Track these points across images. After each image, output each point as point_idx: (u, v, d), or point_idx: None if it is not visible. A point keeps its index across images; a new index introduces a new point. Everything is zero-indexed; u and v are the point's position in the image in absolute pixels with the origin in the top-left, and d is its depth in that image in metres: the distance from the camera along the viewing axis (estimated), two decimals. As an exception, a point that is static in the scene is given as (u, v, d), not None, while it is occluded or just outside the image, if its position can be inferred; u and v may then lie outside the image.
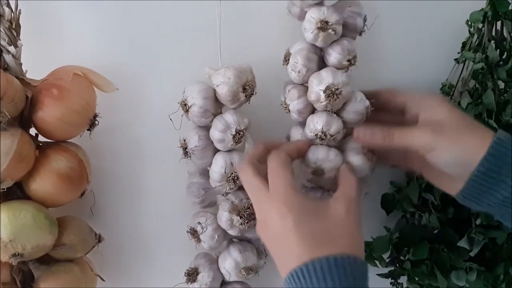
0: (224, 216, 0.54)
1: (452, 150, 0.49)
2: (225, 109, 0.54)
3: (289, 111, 0.54)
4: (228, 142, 0.53)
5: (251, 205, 0.54)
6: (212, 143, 0.54)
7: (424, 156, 0.50)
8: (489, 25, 0.58)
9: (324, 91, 0.51)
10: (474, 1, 0.58)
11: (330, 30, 0.51)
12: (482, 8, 0.58)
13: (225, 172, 0.53)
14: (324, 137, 0.52)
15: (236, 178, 0.53)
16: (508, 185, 0.47)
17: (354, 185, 0.50)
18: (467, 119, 0.51)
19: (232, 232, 0.55)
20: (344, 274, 0.44)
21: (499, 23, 0.58)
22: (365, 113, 0.54)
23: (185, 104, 0.53)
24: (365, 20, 0.54)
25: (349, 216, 0.47)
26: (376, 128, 0.52)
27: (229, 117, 0.53)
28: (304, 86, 0.54)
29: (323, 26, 0.51)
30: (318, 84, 0.51)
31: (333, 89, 0.51)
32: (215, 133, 0.53)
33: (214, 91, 0.53)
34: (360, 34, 0.54)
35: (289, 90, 0.54)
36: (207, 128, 0.54)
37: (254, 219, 0.54)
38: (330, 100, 0.51)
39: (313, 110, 0.54)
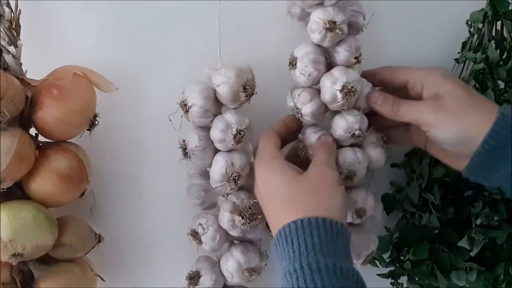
0: (225, 217, 0.54)
1: (452, 128, 0.48)
2: (224, 109, 0.54)
3: (301, 115, 0.54)
4: (229, 142, 0.52)
5: (253, 205, 0.54)
6: (212, 143, 0.54)
7: (425, 133, 0.50)
8: (489, 25, 0.58)
9: (341, 91, 0.51)
10: (474, 1, 0.58)
11: (337, 30, 0.51)
12: (482, 8, 0.58)
13: (225, 172, 0.53)
14: (361, 134, 0.53)
15: (237, 178, 0.53)
16: None
17: (326, 151, 0.52)
18: (471, 95, 0.50)
19: (233, 233, 0.55)
20: (310, 235, 0.45)
21: (499, 23, 0.58)
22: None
23: (185, 105, 0.53)
24: (364, 18, 0.54)
25: (322, 180, 0.49)
26: (387, 95, 0.52)
27: (230, 116, 0.52)
28: (313, 88, 0.54)
29: (331, 26, 0.50)
30: (333, 84, 0.51)
31: (349, 87, 0.51)
32: (216, 133, 0.53)
33: (214, 91, 0.53)
34: (358, 33, 0.54)
35: (299, 94, 0.54)
36: (207, 128, 0.54)
37: (256, 219, 0.54)
38: (347, 99, 0.51)
39: (325, 111, 0.54)
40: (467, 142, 0.48)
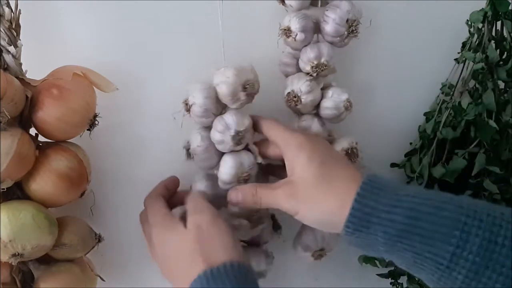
0: (234, 221, 0.54)
1: (312, 215, 0.48)
2: (227, 110, 0.54)
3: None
4: (227, 144, 0.52)
5: (259, 209, 0.53)
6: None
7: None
8: (489, 25, 0.57)
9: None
10: (474, 1, 0.58)
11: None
12: (482, 8, 0.58)
13: (235, 173, 0.52)
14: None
15: (247, 178, 0.53)
16: (380, 242, 0.44)
17: (192, 201, 0.52)
18: (328, 173, 0.48)
19: (241, 236, 0.54)
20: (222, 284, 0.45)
21: (499, 23, 0.58)
22: (342, 107, 0.54)
23: (187, 104, 0.53)
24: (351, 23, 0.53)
25: (199, 228, 0.48)
26: (245, 188, 0.52)
27: (228, 117, 0.52)
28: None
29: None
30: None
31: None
32: (215, 134, 0.53)
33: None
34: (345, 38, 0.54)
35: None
36: (210, 129, 0.54)
37: (263, 222, 0.53)
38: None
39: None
40: (332, 224, 0.46)
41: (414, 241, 0.43)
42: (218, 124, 0.52)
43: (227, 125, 0.52)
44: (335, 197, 0.46)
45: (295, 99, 0.54)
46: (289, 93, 0.54)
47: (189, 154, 0.54)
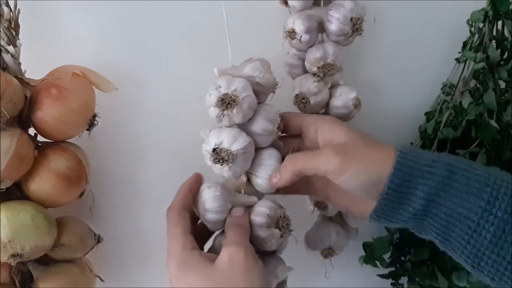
0: (262, 233, 0.49)
1: (361, 173, 0.47)
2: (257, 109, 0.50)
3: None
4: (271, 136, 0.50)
5: (285, 213, 0.50)
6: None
7: (332, 181, 0.47)
8: (490, 24, 0.57)
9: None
10: (475, 1, 0.58)
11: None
12: (483, 8, 0.58)
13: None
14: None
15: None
16: (418, 197, 0.46)
17: (236, 229, 0.48)
18: (367, 137, 0.49)
19: (268, 248, 0.50)
20: None
21: (500, 22, 0.58)
22: (352, 105, 0.54)
23: (231, 98, 0.47)
24: (355, 21, 0.53)
25: (233, 265, 0.45)
26: (284, 163, 0.50)
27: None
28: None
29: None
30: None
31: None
32: (261, 124, 0.49)
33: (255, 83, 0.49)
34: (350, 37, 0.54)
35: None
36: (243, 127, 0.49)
37: (292, 229, 0.50)
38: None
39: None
40: (376, 183, 0.46)
41: (450, 194, 0.45)
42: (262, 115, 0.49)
43: (269, 119, 0.50)
44: (381, 154, 0.47)
45: (303, 100, 0.54)
46: (297, 95, 0.54)
47: (220, 159, 0.47)
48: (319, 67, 0.53)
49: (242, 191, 0.51)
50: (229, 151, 0.47)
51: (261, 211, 0.49)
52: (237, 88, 0.47)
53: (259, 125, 0.49)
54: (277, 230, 0.49)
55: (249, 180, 0.51)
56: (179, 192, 0.51)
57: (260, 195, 0.52)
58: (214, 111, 0.47)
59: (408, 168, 0.46)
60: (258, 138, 0.49)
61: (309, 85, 0.54)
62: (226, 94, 0.47)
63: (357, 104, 0.54)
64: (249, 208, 0.51)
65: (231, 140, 0.48)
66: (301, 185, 0.52)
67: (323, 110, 0.56)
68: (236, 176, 0.50)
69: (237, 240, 0.46)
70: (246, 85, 0.48)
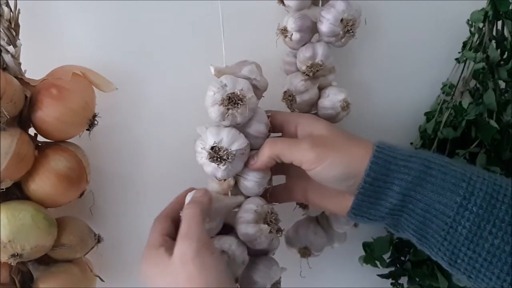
0: (251, 229, 0.48)
1: (338, 164, 0.47)
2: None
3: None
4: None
5: (273, 209, 0.50)
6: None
7: (307, 172, 0.48)
8: (490, 24, 0.57)
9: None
10: (474, 1, 0.58)
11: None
12: (483, 8, 0.58)
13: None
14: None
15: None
16: (395, 192, 0.46)
17: (189, 222, 0.46)
18: (347, 133, 0.50)
19: (258, 246, 0.50)
20: None
21: (500, 22, 0.58)
22: (339, 107, 0.54)
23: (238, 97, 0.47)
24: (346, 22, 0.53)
25: (184, 260, 0.44)
26: (262, 147, 0.50)
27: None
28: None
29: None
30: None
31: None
32: (257, 126, 0.49)
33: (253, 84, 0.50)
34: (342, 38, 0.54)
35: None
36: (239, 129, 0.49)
37: (281, 228, 0.50)
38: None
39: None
40: (352, 176, 0.46)
41: (426, 190, 0.45)
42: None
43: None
44: (359, 148, 0.47)
45: (290, 98, 0.54)
46: (285, 92, 0.55)
47: (219, 159, 0.47)
48: (307, 66, 0.53)
49: (229, 194, 0.51)
50: (228, 150, 0.47)
51: (248, 208, 0.49)
52: (243, 88, 0.47)
53: (255, 128, 0.49)
54: (266, 226, 0.49)
55: (236, 183, 0.51)
56: (169, 203, 0.52)
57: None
58: (218, 109, 0.47)
59: (385, 162, 0.46)
60: (253, 141, 0.49)
61: (296, 83, 0.54)
62: (234, 93, 0.47)
63: (345, 106, 0.54)
64: (237, 208, 0.51)
65: (231, 140, 0.47)
66: (279, 191, 0.54)
67: (315, 111, 0.56)
68: (228, 176, 0.49)
69: (188, 234, 0.45)
70: (250, 86, 0.48)
